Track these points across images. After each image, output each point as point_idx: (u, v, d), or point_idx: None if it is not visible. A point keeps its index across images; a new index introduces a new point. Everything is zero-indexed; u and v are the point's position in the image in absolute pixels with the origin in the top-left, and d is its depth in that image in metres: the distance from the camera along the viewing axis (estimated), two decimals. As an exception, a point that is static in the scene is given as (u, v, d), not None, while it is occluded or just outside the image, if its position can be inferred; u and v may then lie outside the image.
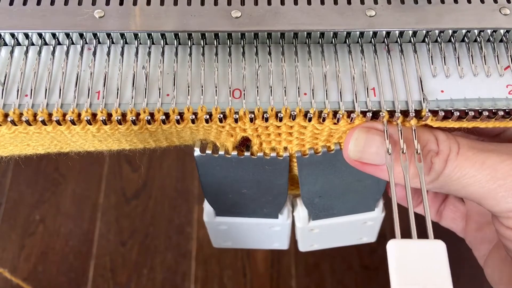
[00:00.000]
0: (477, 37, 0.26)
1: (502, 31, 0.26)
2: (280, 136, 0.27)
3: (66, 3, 0.25)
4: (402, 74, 0.26)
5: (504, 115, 0.25)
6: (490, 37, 0.26)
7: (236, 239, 0.40)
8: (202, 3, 0.25)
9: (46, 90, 0.25)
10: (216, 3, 0.25)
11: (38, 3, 0.25)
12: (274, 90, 0.25)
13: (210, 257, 0.95)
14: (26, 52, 0.26)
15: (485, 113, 0.25)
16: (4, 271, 0.54)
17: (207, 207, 0.36)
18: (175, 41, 0.26)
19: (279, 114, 0.24)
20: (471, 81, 0.26)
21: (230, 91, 0.25)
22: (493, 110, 0.25)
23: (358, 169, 0.26)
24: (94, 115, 0.24)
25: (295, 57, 0.26)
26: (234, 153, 0.28)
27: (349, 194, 0.34)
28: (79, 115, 0.24)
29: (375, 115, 0.25)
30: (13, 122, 0.24)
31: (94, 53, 0.26)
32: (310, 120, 0.25)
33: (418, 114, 0.25)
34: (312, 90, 0.25)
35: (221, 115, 0.24)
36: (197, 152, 0.28)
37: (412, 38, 0.26)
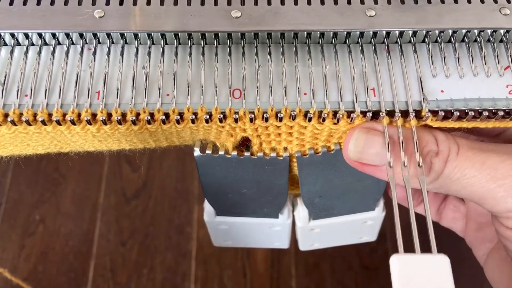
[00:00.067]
0: (477, 37, 0.26)
1: (502, 31, 0.26)
2: (280, 136, 0.27)
3: (66, 3, 0.25)
4: (402, 74, 0.26)
5: (504, 115, 0.25)
6: (490, 37, 0.26)
7: (236, 239, 0.40)
8: (202, 3, 0.25)
9: (46, 90, 0.25)
10: (216, 3, 0.25)
11: (38, 3, 0.25)
12: (274, 90, 0.25)
13: (210, 257, 0.95)
14: (26, 52, 0.26)
15: (485, 113, 0.25)
16: (4, 271, 0.54)
17: (207, 207, 0.36)
18: (175, 41, 0.26)
19: (279, 114, 0.24)
20: (471, 81, 0.26)
21: (230, 91, 0.25)
22: (493, 110, 0.25)
23: (358, 169, 0.26)
24: (94, 115, 0.24)
25: (295, 57, 0.26)
26: (234, 153, 0.28)
27: (349, 194, 0.34)
28: (79, 115, 0.24)
29: (375, 115, 0.25)
30: (13, 122, 0.24)
31: (94, 53, 0.26)
32: (310, 120, 0.25)
33: (418, 114, 0.25)
34: (312, 90, 0.25)
35: (221, 115, 0.24)
36: (197, 152, 0.28)
37: (412, 38, 0.26)
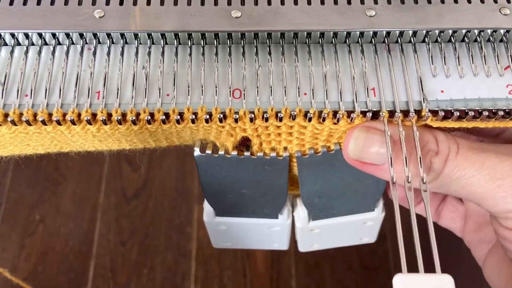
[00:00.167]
0: (477, 37, 0.26)
1: (502, 31, 0.26)
2: (280, 136, 0.27)
3: (66, 3, 0.25)
4: (402, 74, 0.26)
5: (504, 115, 0.25)
6: (490, 37, 0.26)
7: (235, 239, 0.40)
8: (202, 3, 0.25)
9: (46, 90, 0.25)
10: (216, 3, 0.25)
11: (38, 3, 0.25)
12: (274, 90, 0.25)
13: (210, 257, 0.95)
14: (26, 52, 0.26)
15: (485, 113, 0.25)
16: (4, 271, 0.54)
17: (207, 207, 0.36)
18: (175, 41, 0.26)
19: (279, 114, 0.24)
20: (471, 81, 0.26)
21: (230, 91, 0.25)
22: (493, 110, 0.25)
23: (358, 169, 0.26)
24: (94, 115, 0.24)
25: (295, 57, 0.26)
26: (234, 153, 0.28)
27: (349, 194, 0.34)
28: (79, 115, 0.24)
29: (375, 115, 0.25)
30: (13, 122, 0.24)
31: (94, 53, 0.26)
32: (310, 120, 0.25)
33: (418, 114, 0.25)
34: (312, 90, 0.25)
35: (221, 115, 0.24)
36: (197, 152, 0.28)
37: (412, 38, 0.26)
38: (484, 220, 0.32)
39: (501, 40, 0.27)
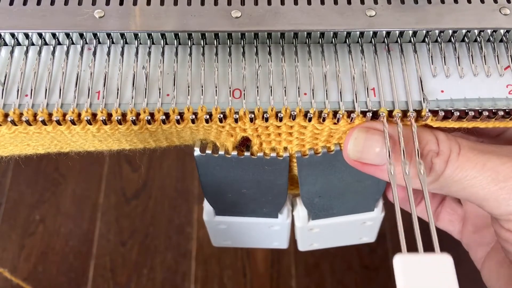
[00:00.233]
0: (477, 37, 0.26)
1: (502, 31, 0.26)
2: (280, 136, 0.27)
3: (66, 3, 0.25)
4: (402, 74, 0.26)
5: (504, 115, 0.25)
6: (490, 37, 0.26)
7: (235, 238, 0.40)
8: (202, 3, 0.25)
9: (46, 90, 0.25)
10: (216, 3, 0.25)
11: (38, 3, 0.25)
12: (274, 90, 0.25)
13: (210, 257, 0.95)
14: (26, 52, 0.26)
15: (485, 113, 0.25)
16: (4, 271, 0.54)
17: (207, 206, 0.36)
18: (175, 41, 0.26)
19: (279, 114, 0.24)
20: (471, 81, 0.26)
21: (230, 91, 0.25)
22: (493, 110, 0.25)
23: (358, 169, 0.26)
24: (94, 115, 0.24)
25: (295, 57, 0.26)
26: (234, 153, 0.28)
27: (348, 194, 0.34)
28: (79, 115, 0.24)
29: (375, 115, 0.25)
30: (13, 122, 0.24)
31: (94, 53, 0.26)
32: (310, 120, 0.25)
33: (418, 114, 0.25)
34: (312, 90, 0.25)
35: (221, 115, 0.24)
36: (197, 152, 0.28)
37: (412, 38, 0.26)
38: (483, 223, 0.32)
39: (501, 40, 0.27)
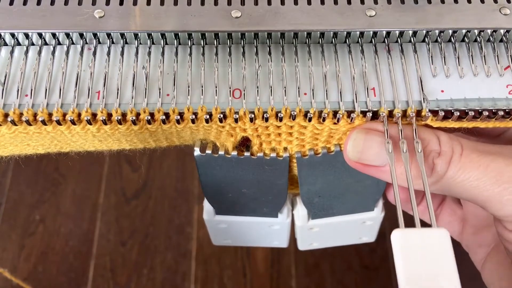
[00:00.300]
0: (477, 37, 0.26)
1: (502, 31, 0.26)
2: (280, 136, 0.27)
3: (66, 3, 0.25)
4: (402, 74, 0.26)
5: (504, 115, 0.25)
6: (490, 37, 0.26)
7: (235, 237, 0.40)
8: (202, 3, 0.25)
9: (46, 90, 0.25)
10: (216, 3, 0.25)
11: (38, 3, 0.25)
12: (274, 90, 0.25)
13: (210, 257, 0.95)
14: (26, 52, 0.26)
15: (485, 113, 0.25)
16: (4, 271, 0.54)
17: (207, 206, 0.36)
18: (175, 41, 0.26)
19: (279, 114, 0.24)
20: (471, 81, 0.26)
21: (230, 91, 0.25)
22: (493, 110, 0.25)
23: (359, 171, 0.25)
24: (94, 115, 0.24)
25: (295, 57, 0.26)
26: (234, 153, 0.28)
27: (348, 194, 0.34)
28: (79, 115, 0.24)
29: (375, 115, 0.25)
30: (13, 122, 0.24)
31: (94, 53, 0.26)
32: (310, 120, 0.25)
33: (418, 114, 0.25)
34: (312, 90, 0.25)
35: (221, 115, 0.24)
36: (197, 152, 0.28)
37: (412, 38, 0.26)
38: (483, 224, 0.31)
39: (501, 40, 0.27)
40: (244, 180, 0.31)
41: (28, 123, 0.24)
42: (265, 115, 0.24)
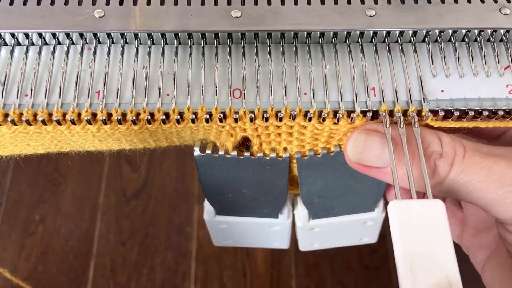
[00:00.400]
0: (477, 37, 0.26)
1: (502, 31, 0.26)
2: (280, 136, 0.27)
3: (66, 3, 0.25)
4: (402, 73, 0.26)
5: (504, 114, 0.25)
6: (490, 37, 0.26)
7: (236, 238, 0.40)
8: (202, 3, 0.25)
9: (46, 90, 0.25)
10: (216, 3, 0.25)
11: (38, 3, 0.25)
12: (274, 90, 0.25)
13: (210, 257, 0.95)
14: (26, 52, 0.26)
15: (485, 113, 0.25)
16: (4, 271, 0.54)
17: (207, 206, 0.36)
18: (175, 41, 0.26)
19: (279, 114, 0.24)
20: (471, 81, 0.26)
21: (230, 91, 0.25)
22: (493, 110, 0.25)
23: (360, 172, 0.25)
24: (94, 115, 0.24)
25: (295, 57, 0.26)
26: (234, 153, 0.28)
27: (348, 194, 0.34)
28: (79, 115, 0.24)
29: (375, 114, 0.25)
30: (13, 122, 0.24)
31: (94, 53, 0.26)
32: (310, 120, 0.25)
33: (419, 113, 0.25)
34: (312, 90, 0.25)
35: (221, 115, 0.24)
36: (197, 152, 0.28)
37: (412, 38, 0.26)
38: (483, 226, 0.31)
39: (501, 40, 0.27)
40: (244, 181, 0.31)
41: (28, 123, 0.24)
42: (265, 115, 0.24)
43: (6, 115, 0.24)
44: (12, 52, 0.26)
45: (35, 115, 0.24)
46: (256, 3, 0.25)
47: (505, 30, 0.26)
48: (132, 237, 0.96)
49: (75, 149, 0.30)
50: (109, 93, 0.25)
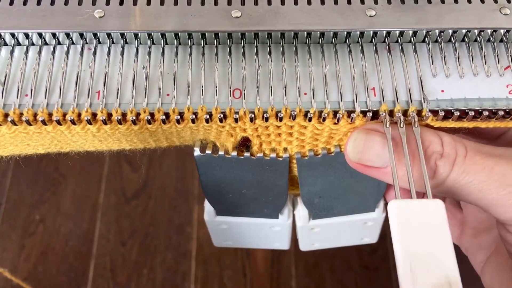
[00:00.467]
0: (477, 37, 0.26)
1: (502, 31, 0.26)
2: (280, 137, 0.27)
3: (66, 3, 0.25)
4: (402, 73, 0.26)
5: (504, 115, 0.25)
6: (490, 37, 0.26)
7: (236, 239, 0.40)
8: (202, 3, 0.25)
9: (46, 90, 0.25)
10: (216, 3, 0.25)
11: (38, 3, 0.25)
12: (274, 90, 0.25)
13: (210, 257, 0.95)
14: (26, 52, 0.26)
15: (485, 113, 0.25)
16: (4, 271, 0.54)
17: (207, 206, 0.36)
18: (175, 41, 0.26)
19: (279, 114, 0.24)
20: (471, 81, 0.26)
21: (230, 91, 0.25)
22: (493, 110, 0.25)
23: (361, 172, 0.25)
24: (94, 115, 0.24)
25: (295, 57, 0.26)
26: (234, 153, 0.28)
27: (349, 195, 0.34)
28: (79, 115, 0.24)
29: (375, 114, 0.25)
30: (13, 122, 0.24)
31: (94, 53, 0.26)
32: (310, 120, 0.25)
33: (419, 114, 0.25)
34: (312, 90, 0.25)
35: (221, 115, 0.24)
36: (197, 152, 0.28)
37: (412, 38, 0.26)
38: (483, 227, 0.31)
39: (501, 40, 0.27)
40: (244, 181, 0.31)
41: (28, 123, 0.24)
42: (265, 115, 0.24)
43: (6, 115, 0.24)
44: (12, 52, 0.26)
45: (35, 115, 0.24)
46: (256, 3, 0.25)
47: (505, 30, 0.26)
48: (132, 237, 0.96)
49: (75, 149, 0.30)
50: (109, 93, 0.25)
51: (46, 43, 0.26)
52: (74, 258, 0.94)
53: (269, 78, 0.25)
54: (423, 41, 0.27)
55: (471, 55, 0.26)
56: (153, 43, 0.26)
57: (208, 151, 0.28)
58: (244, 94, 0.25)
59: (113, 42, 0.26)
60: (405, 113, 0.25)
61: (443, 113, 0.25)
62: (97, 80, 0.25)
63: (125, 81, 0.25)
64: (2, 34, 0.26)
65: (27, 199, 1.00)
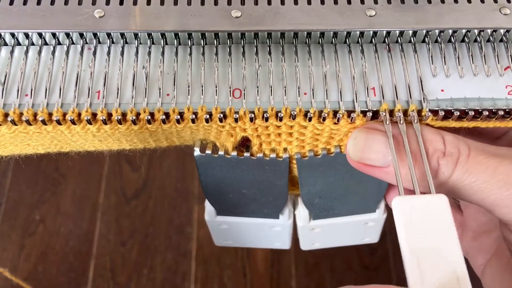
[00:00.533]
0: (477, 37, 0.26)
1: (502, 31, 0.26)
2: (280, 137, 0.27)
3: (66, 3, 0.25)
4: (402, 73, 0.26)
5: (504, 114, 0.25)
6: (490, 37, 0.26)
7: (237, 238, 0.40)
8: (202, 3, 0.25)
9: (46, 90, 0.25)
10: (216, 3, 0.25)
11: (38, 3, 0.25)
12: (274, 90, 0.25)
13: (210, 257, 0.95)
14: (26, 52, 0.26)
15: (485, 113, 0.25)
16: (4, 271, 0.54)
17: (208, 206, 0.36)
18: (175, 41, 0.26)
19: (279, 114, 0.24)
20: (471, 81, 0.26)
21: (230, 91, 0.25)
22: (493, 110, 0.25)
23: (362, 172, 0.25)
24: (94, 115, 0.24)
25: (295, 57, 0.26)
26: (234, 153, 0.28)
27: (349, 195, 0.34)
28: (79, 114, 0.24)
29: (375, 114, 0.25)
30: (13, 122, 0.24)
31: (94, 53, 0.26)
32: (310, 119, 0.25)
33: (419, 113, 0.25)
34: (312, 90, 0.25)
35: (221, 115, 0.24)
36: (197, 152, 0.28)
37: (412, 38, 0.26)
38: (483, 229, 0.31)
39: (501, 40, 0.27)
40: (244, 181, 0.31)
41: (28, 123, 0.24)
42: (265, 114, 0.24)
43: (6, 115, 0.24)
44: (12, 52, 0.26)
45: (35, 115, 0.24)
46: (256, 3, 0.25)
47: (505, 30, 0.26)
48: (132, 237, 0.96)
49: (75, 149, 0.30)
50: (109, 93, 0.25)
51: (46, 43, 0.26)
52: (74, 258, 0.94)
53: (269, 78, 0.25)
54: (423, 41, 0.27)
55: (471, 55, 0.26)
56: (153, 43, 0.26)
57: (208, 151, 0.28)
58: (244, 94, 0.25)
59: (113, 42, 0.26)
60: (405, 113, 0.25)
61: (443, 113, 0.25)
62: (97, 80, 0.25)
63: (125, 81, 0.25)
64: (2, 34, 0.26)
65: (27, 199, 1.00)
